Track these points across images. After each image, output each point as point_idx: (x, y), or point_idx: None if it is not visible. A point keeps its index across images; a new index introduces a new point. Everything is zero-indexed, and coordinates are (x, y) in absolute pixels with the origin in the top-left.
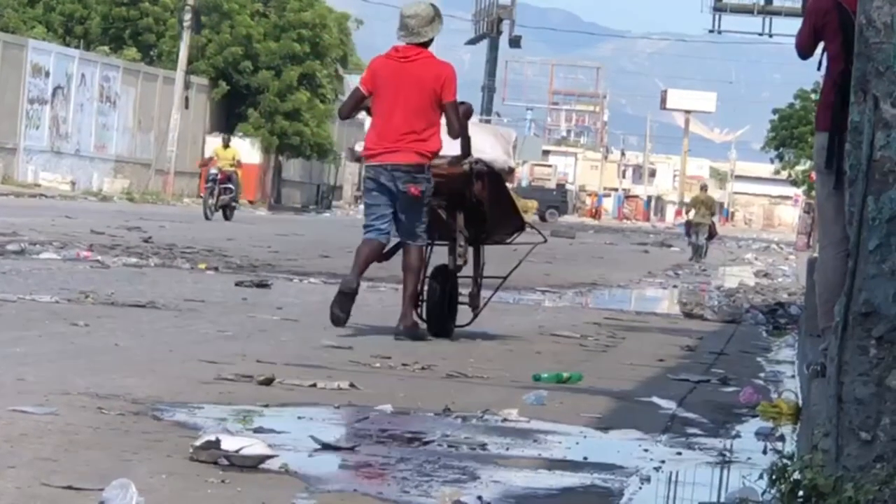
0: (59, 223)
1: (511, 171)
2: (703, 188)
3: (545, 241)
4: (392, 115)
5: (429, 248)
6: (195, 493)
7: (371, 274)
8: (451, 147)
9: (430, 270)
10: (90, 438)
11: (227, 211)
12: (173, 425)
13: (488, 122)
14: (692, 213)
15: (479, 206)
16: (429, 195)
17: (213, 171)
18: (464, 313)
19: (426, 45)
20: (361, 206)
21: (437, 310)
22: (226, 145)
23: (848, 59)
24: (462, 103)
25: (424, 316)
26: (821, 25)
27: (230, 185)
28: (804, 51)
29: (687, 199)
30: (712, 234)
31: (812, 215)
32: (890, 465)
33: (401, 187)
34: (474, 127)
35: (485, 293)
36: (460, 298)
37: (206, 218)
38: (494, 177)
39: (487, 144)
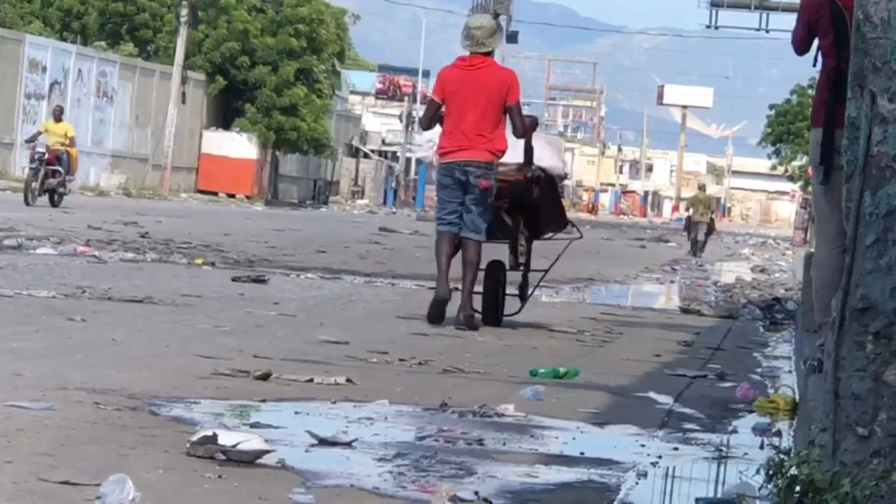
0: (55, 218)
1: (564, 176)
2: (702, 188)
3: (581, 236)
4: (463, 117)
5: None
6: (192, 489)
7: (369, 269)
8: (513, 149)
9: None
10: (87, 433)
11: (54, 196)
12: (170, 420)
13: None
14: (691, 211)
15: (535, 209)
16: (495, 189)
17: (41, 148)
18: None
19: (489, 54)
20: (358, 202)
21: (491, 301)
22: (57, 119)
23: (840, 55)
24: (529, 116)
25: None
26: (814, 21)
27: (59, 168)
28: (800, 46)
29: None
30: (710, 231)
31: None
32: (887, 460)
33: (472, 181)
34: (535, 138)
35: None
36: (508, 291)
37: (27, 203)
38: (550, 182)
39: (546, 153)
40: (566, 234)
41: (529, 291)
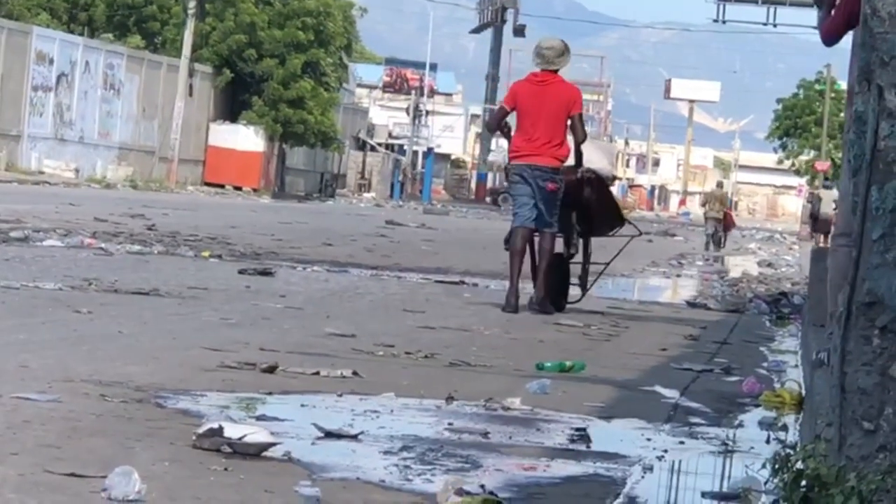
0: (62, 210)
1: (614, 179)
2: (719, 185)
3: (640, 234)
4: (534, 126)
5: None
6: (198, 481)
7: (376, 262)
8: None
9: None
10: (93, 425)
11: None
12: (176, 413)
13: (491, 110)
14: (706, 207)
15: (588, 207)
16: (562, 191)
17: None
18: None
19: (556, 72)
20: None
21: (555, 289)
22: None
23: None
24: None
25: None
26: (857, 12)
27: None
28: (832, 38)
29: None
30: (728, 226)
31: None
32: (893, 454)
33: (540, 184)
34: (586, 143)
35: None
36: (571, 280)
37: None
38: (601, 183)
39: (595, 157)
40: (627, 233)
41: (589, 283)
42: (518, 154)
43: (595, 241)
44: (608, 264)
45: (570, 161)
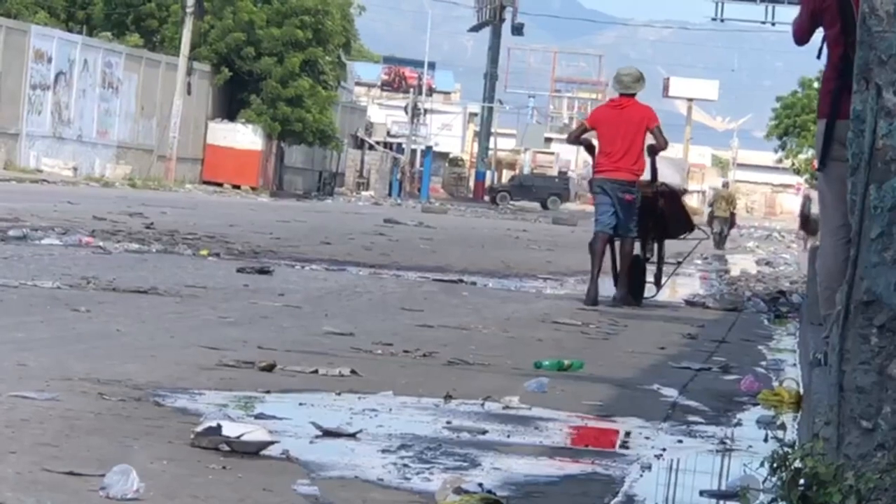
0: (61, 209)
1: (684, 191)
2: (725, 185)
3: (708, 237)
4: (612, 145)
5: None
6: (196, 480)
7: (374, 261)
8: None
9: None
10: (91, 424)
11: None
12: (174, 411)
13: (490, 108)
14: (713, 206)
15: (661, 216)
16: (638, 202)
17: None
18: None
19: (633, 96)
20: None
21: (633, 286)
22: None
23: (847, 44)
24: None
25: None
26: (820, 10)
27: None
28: (801, 37)
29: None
30: (732, 224)
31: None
32: (891, 453)
33: (619, 195)
34: (661, 160)
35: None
36: (648, 279)
37: None
38: (673, 195)
39: (669, 172)
40: (694, 237)
41: (663, 280)
42: (600, 170)
43: (668, 244)
44: (679, 264)
45: (647, 175)
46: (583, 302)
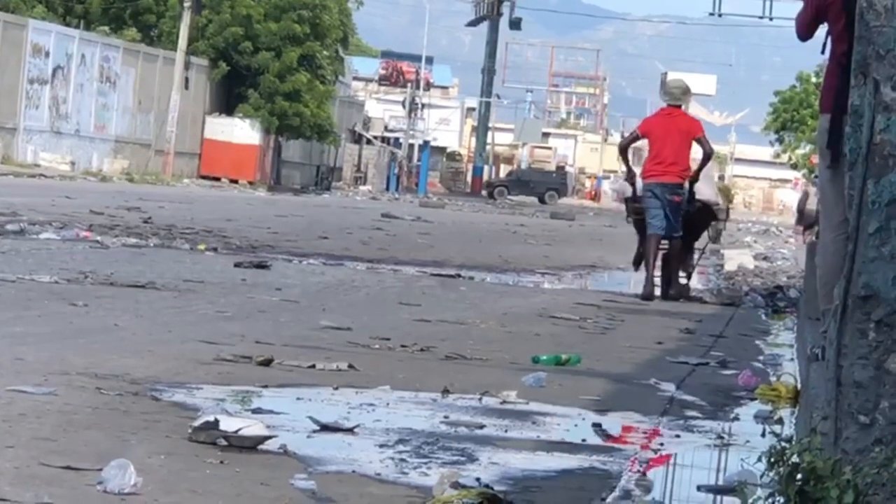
0: (58, 203)
1: (717, 204)
2: (720, 178)
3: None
4: (662, 151)
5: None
6: (194, 474)
7: (372, 255)
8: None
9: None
10: (89, 418)
11: None
12: (172, 406)
13: (488, 103)
14: None
15: (692, 223)
16: (685, 204)
17: None
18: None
19: (680, 106)
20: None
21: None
22: None
23: (851, 40)
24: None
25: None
26: (824, 6)
27: None
28: (804, 32)
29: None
30: (727, 218)
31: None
32: (888, 448)
33: (668, 196)
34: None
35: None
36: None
37: None
38: (706, 209)
39: (704, 187)
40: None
41: (691, 271)
42: (650, 175)
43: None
44: (703, 251)
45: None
46: (639, 297)
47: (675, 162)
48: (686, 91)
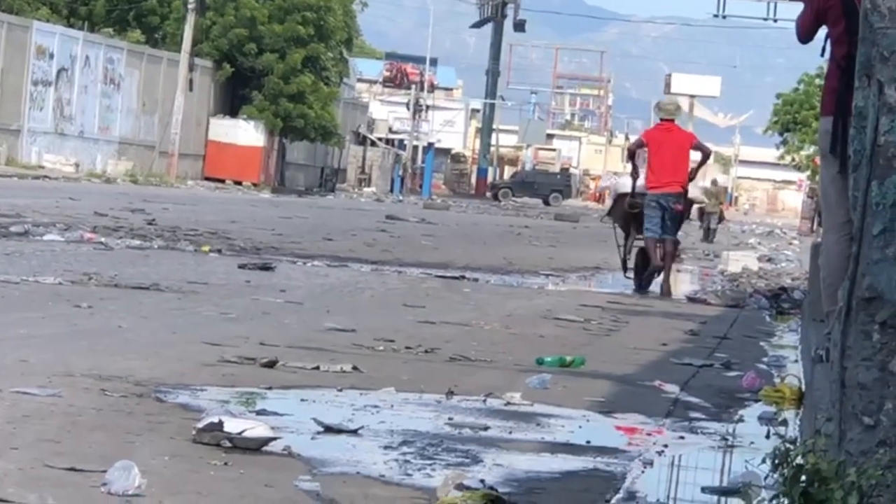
0: (62, 205)
1: (701, 202)
2: (714, 182)
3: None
4: (662, 162)
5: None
6: (198, 475)
7: (376, 257)
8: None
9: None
10: (93, 420)
11: None
12: (176, 407)
13: (492, 105)
14: (706, 202)
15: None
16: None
17: None
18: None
19: (673, 120)
20: (365, 190)
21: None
22: None
23: (851, 43)
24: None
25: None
26: (824, 9)
27: None
28: (805, 35)
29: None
30: (720, 219)
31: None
32: (893, 449)
33: (671, 205)
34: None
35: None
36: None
37: None
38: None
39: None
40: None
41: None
42: (653, 186)
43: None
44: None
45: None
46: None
47: (674, 173)
48: (678, 108)
